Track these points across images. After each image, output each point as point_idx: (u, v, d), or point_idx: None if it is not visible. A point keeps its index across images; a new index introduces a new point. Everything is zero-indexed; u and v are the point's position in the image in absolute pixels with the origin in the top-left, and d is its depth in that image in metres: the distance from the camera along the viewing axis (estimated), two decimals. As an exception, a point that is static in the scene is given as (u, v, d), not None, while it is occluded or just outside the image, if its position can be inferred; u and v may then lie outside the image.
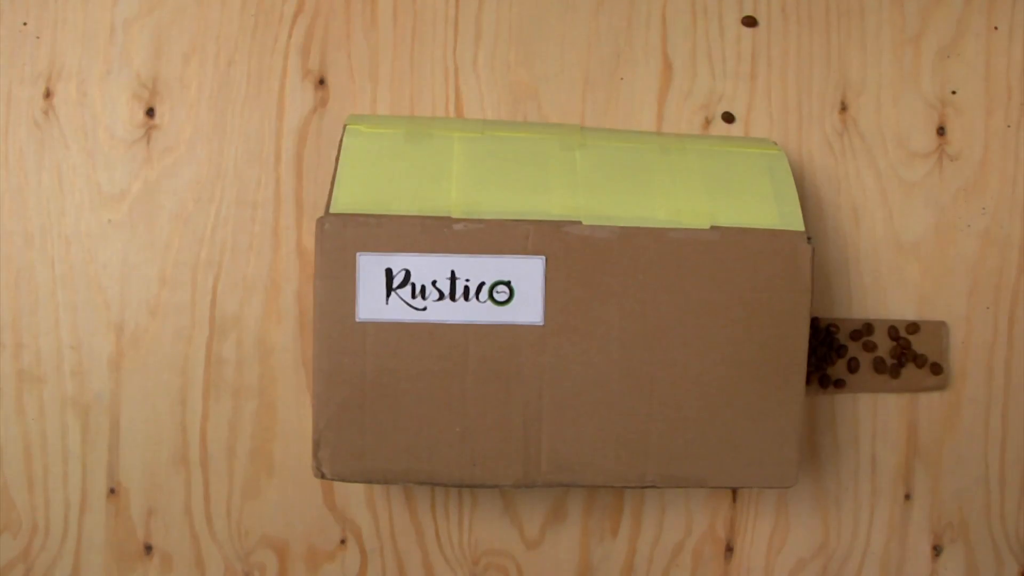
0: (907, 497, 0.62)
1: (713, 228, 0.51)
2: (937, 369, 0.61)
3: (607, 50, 0.61)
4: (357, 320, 0.49)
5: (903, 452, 0.62)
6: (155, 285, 0.59)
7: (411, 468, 0.50)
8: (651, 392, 0.51)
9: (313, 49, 0.60)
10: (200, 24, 0.60)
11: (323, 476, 0.50)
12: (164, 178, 0.59)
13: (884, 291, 0.62)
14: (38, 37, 0.59)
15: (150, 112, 0.59)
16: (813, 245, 0.51)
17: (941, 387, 0.61)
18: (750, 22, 0.61)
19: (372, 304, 0.49)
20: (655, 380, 0.51)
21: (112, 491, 0.60)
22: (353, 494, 0.60)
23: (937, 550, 0.63)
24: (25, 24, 0.59)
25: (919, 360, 0.61)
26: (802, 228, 0.51)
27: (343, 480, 0.51)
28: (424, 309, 0.49)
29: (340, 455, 0.50)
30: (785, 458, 0.52)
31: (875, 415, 0.62)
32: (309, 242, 0.60)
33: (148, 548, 0.60)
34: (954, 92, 0.62)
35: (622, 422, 0.51)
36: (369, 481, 0.51)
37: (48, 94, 0.59)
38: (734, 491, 0.62)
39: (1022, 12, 0.62)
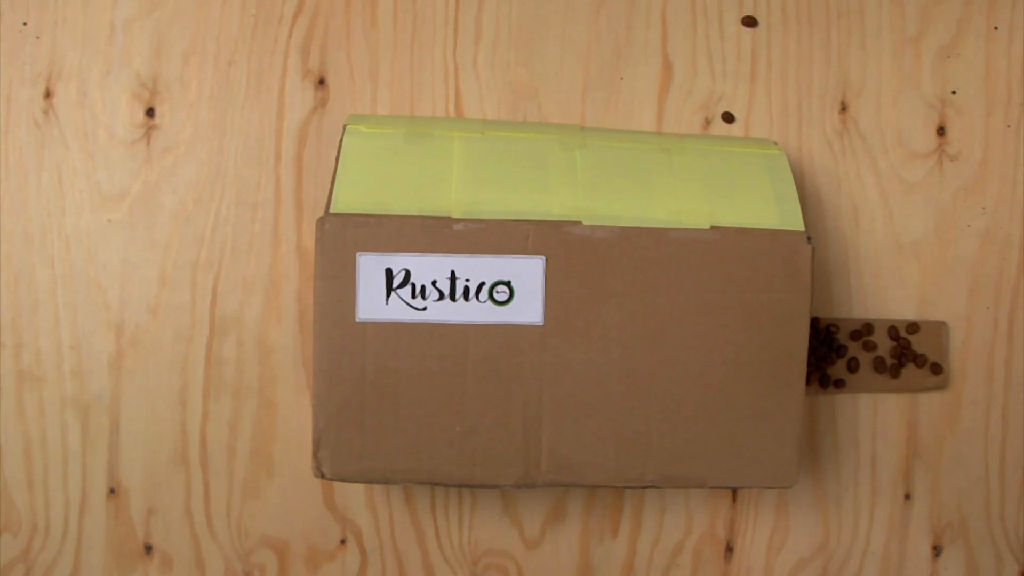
0: (907, 497, 0.62)
1: (713, 228, 0.51)
2: (937, 369, 0.61)
3: (607, 50, 0.61)
4: (357, 320, 0.49)
5: (903, 452, 0.62)
6: (155, 285, 0.59)
7: (411, 468, 0.50)
8: (651, 392, 0.51)
9: (313, 49, 0.60)
10: (200, 24, 0.60)
11: (323, 476, 0.50)
12: (164, 178, 0.59)
13: (884, 291, 0.62)
14: (38, 37, 0.59)
15: (150, 112, 0.59)
16: (813, 245, 0.51)
17: (941, 387, 0.61)
18: (750, 22, 0.61)
19: (372, 304, 0.49)
20: (655, 380, 0.51)
21: (112, 491, 0.60)
22: (353, 494, 0.60)
23: (937, 550, 0.63)
24: (25, 24, 0.59)
25: (919, 360, 0.61)
26: (802, 228, 0.51)
27: (343, 480, 0.51)
28: (424, 309, 0.49)
29: (340, 455, 0.50)
30: (785, 458, 0.52)
31: (875, 415, 0.62)
32: (309, 242, 0.60)
33: (148, 548, 0.60)
34: (954, 92, 0.62)
35: (622, 422, 0.51)
36: (369, 481, 0.51)
37: (48, 94, 0.59)
38: (734, 491, 0.62)
39: (1022, 12, 0.62)
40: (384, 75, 0.60)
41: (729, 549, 0.62)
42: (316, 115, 0.60)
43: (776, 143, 0.58)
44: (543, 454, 0.51)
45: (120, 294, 0.59)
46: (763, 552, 0.62)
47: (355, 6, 0.60)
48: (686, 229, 0.50)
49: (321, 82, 0.60)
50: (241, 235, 0.59)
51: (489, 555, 0.61)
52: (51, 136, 0.59)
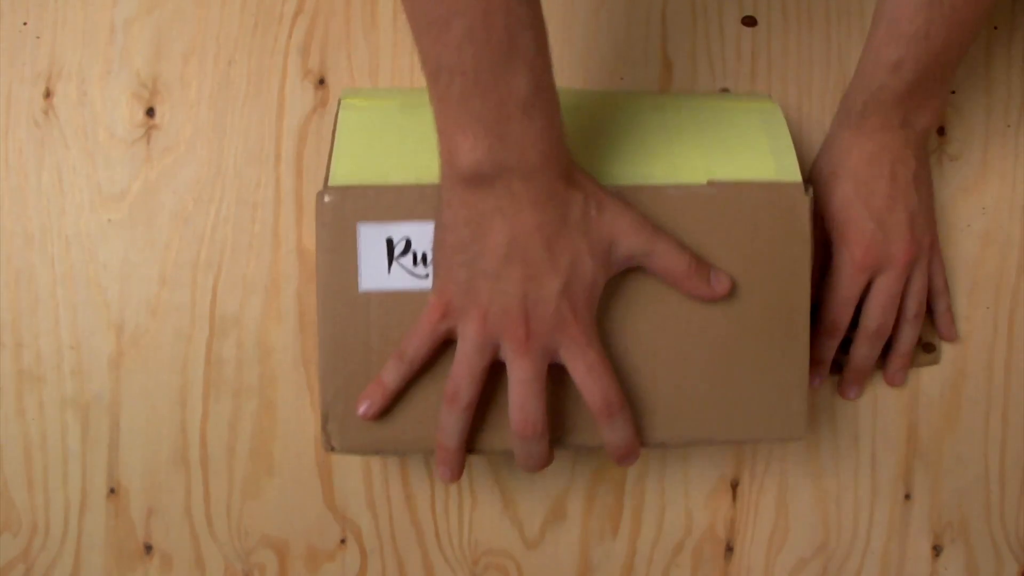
0: (907, 497, 0.62)
1: (710, 183, 0.50)
2: (930, 348, 0.61)
3: (607, 50, 0.61)
4: (360, 291, 0.49)
5: (903, 452, 0.62)
6: (155, 285, 0.59)
7: (420, 437, 0.50)
8: (654, 350, 0.50)
9: (313, 49, 0.60)
10: (200, 24, 0.60)
11: (332, 449, 0.50)
12: (164, 178, 0.59)
13: (884, 291, 0.62)
14: (38, 37, 0.59)
15: (150, 112, 0.60)
16: (811, 195, 0.51)
17: (934, 363, 0.61)
18: (750, 22, 0.62)
19: (374, 274, 0.49)
20: (658, 337, 0.50)
21: (112, 491, 0.60)
22: (353, 494, 0.60)
23: (937, 550, 0.63)
24: (25, 24, 0.59)
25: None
26: (799, 179, 0.51)
27: (353, 452, 0.50)
28: (426, 277, 0.49)
29: (348, 427, 0.50)
30: (793, 410, 0.51)
31: (875, 415, 0.62)
32: (309, 242, 0.60)
33: (148, 548, 0.60)
34: (954, 92, 0.62)
35: (627, 381, 0.50)
36: (379, 452, 0.50)
37: (48, 94, 0.59)
38: (734, 490, 0.62)
39: (1022, 12, 0.62)
40: (384, 75, 0.60)
41: (729, 549, 0.62)
42: (316, 115, 0.60)
43: (771, 96, 0.58)
44: (551, 417, 0.50)
45: (120, 294, 0.59)
46: (763, 552, 0.62)
47: (355, 6, 0.60)
48: (683, 185, 0.50)
49: (321, 82, 0.60)
50: (241, 235, 0.60)
51: (489, 555, 0.61)
52: (51, 136, 0.59)
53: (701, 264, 0.49)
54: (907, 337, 0.59)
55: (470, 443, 0.50)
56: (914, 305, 0.58)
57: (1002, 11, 0.62)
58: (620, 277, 0.50)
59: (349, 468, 0.60)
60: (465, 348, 0.46)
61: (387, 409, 0.49)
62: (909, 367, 0.61)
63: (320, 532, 0.60)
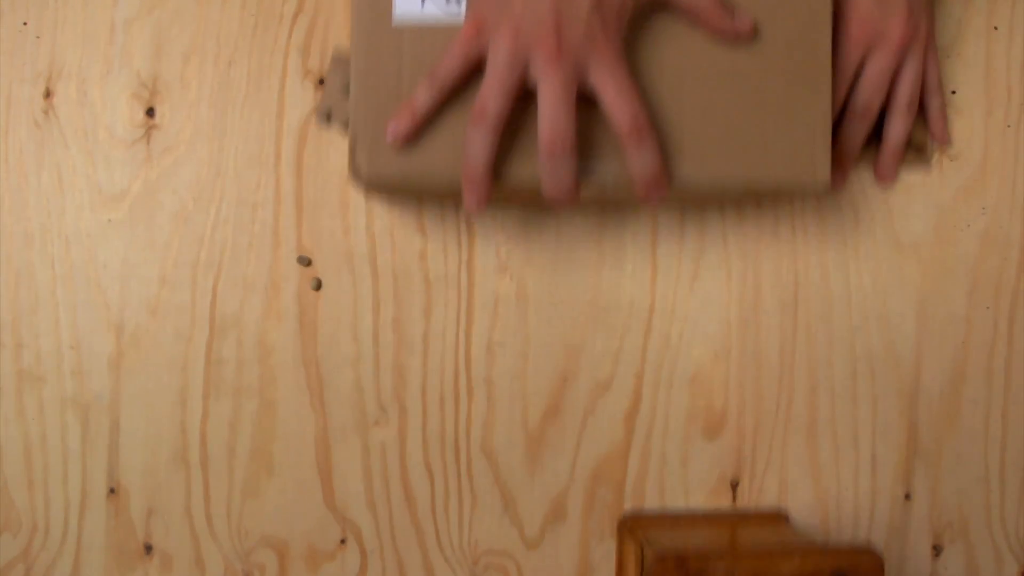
0: (907, 497, 0.62)
1: None
2: (921, 148, 0.62)
3: (607, 50, 0.61)
4: (393, 23, 0.49)
5: (903, 452, 0.62)
6: (155, 285, 0.59)
7: (447, 167, 0.49)
8: (681, 92, 0.50)
9: (313, 49, 0.60)
10: (200, 24, 0.60)
11: (360, 176, 0.49)
12: (164, 178, 0.59)
13: (884, 291, 0.62)
14: (38, 37, 0.59)
15: (150, 112, 0.60)
16: None
17: (925, 164, 0.62)
18: (750, 22, 0.62)
19: (408, 7, 0.49)
20: (684, 79, 0.50)
21: (112, 491, 0.60)
22: (353, 494, 0.60)
23: (937, 550, 0.63)
24: (25, 24, 0.59)
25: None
26: None
27: (380, 180, 0.50)
28: (459, 14, 0.49)
29: (377, 153, 0.49)
30: (817, 155, 0.51)
31: (875, 415, 0.62)
32: (309, 242, 0.60)
33: (148, 548, 0.60)
34: (954, 92, 0.62)
35: (654, 120, 0.50)
36: (406, 180, 0.50)
37: (48, 94, 0.59)
38: (734, 490, 0.62)
39: (1022, 12, 0.62)
40: (384, 75, 0.60)
41: (729, 549, 0.62)
42: (316, 115, 0.60)
43: None
44: (579, 151, 0.50)
45: (120, 294, 0.59)
46: (763, 552, 0.62)
47: (355, 6, 0.60)
48: None
49: (321, 82, 0.60)
50: (241, 235, 0.60)
51: (489, 555, 0.61)
52: (51, 136, 0.59)
53: (726, 0, 0.50)
54: (898, 129, 0.59)
55: (497, 170, 0.49)
56: (906, 93, 0.58)
57: (1002, 11, 0.62)
58: (646, 23, 0.50)
59: (349, 468, 0.60)
60: (496, 63, 0.46)
61: (416, 134, 0.49)
62: (900, 163, 0.61)
63: (320, 532, 0.60)
